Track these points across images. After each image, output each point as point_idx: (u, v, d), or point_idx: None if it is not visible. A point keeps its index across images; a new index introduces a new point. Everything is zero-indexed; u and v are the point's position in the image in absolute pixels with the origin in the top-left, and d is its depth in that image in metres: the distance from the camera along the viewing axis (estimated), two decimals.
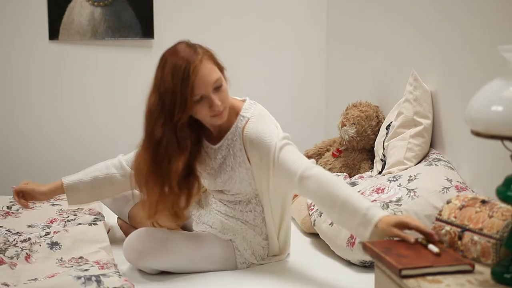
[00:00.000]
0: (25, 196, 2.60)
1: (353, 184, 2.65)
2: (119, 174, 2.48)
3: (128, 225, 2.62)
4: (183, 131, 2.17)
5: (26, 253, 2.24)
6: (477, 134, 1.48)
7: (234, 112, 2.27)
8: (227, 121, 2.25)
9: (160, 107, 2.17)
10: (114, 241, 2.59)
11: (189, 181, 2.25)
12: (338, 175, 2.84)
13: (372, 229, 1.92)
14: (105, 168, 2.50)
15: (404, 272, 1.59)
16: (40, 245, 2.29)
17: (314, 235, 2.65)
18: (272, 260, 2.39)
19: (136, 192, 2.34)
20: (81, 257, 2.24)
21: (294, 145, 2.22)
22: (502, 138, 1.44)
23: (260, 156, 2.21)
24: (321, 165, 3.14)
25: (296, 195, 2.96)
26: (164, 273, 2.28)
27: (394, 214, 2.26)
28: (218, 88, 2.15)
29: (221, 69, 2.20)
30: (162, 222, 2.30)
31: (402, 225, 1.88)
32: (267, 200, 2.31)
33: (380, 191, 2.38)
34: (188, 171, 2.23)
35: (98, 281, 1.93)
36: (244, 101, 2.32)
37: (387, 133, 2.77)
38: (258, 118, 2.25)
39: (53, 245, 2.31)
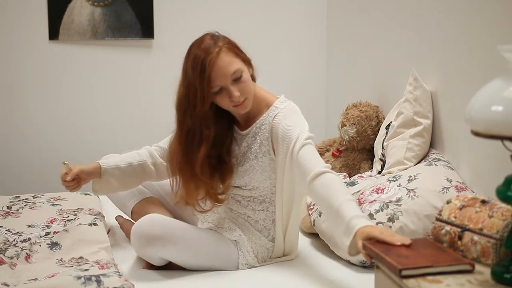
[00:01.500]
0: (79, 180, 2.46)
1: (352, 183, 2.65)
2: (150, 163, 2.51)
3: (129, 223, 2.62)
4: (205, 121, 2.22)
5: (26, 253, 2.24)
6: (477, 134, 1.48)
7: (265, 103, 2.32)
8: (256, 111, 2.32)
9: (186, 98, 2.22)
10: (114, 241, 2.59)
11: (221, 167, 2.30)
12: (338, 175, 2.83)
13: (351, 239, 1.91)
14: (137, 155, 2.52)
15: (404, 272, 1.59)
16: (40, 245, 2.29)
17: (314, 235, 2.65)
18: (274, 261, 2.39)
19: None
20: (81, 257, 2.24)
21: (315, 148, 2.26)
22: (502, 138, 1.44)
23: (282, 147, 2.25)
24: None
25: None
26: (163, 273, 2.28)
27: (393, 218, 2.26)
28: (237, 79, 2.20)
29: (245, 59, 2.25)
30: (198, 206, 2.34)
31: (371, 239, 1.85)
32: (280, 199, 2.32)
33: (380, 191, 2.38)
34: (218, 158, 2.29)
35: (98, 281, 1.93)
36: (278, 97, 2.37)
37: (386, 133, 2.77)
38: (290, 111, 2.31)
39: (53, 245, 2.31)
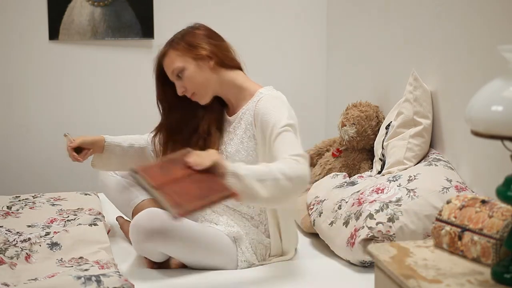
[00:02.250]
0: (81, 150, 2.61)
1: (352, 183, 2.65)
2: (151, 149, 2.64)
3: (129, 223, 2.62)
4: (170, 113, 2.50)
5: (26, 253, 2.24)
6: (477, 134, 1.48)
7: (248, 92, 2.41)
8: (239, 100, 2.42)
9: None
10: (114, 241, 2.59)
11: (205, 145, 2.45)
12: (337, 175, 2.84)
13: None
14: (140, 139, 2.67)
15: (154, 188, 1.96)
16: (40, 245, 2.29)
17: (314, 235, 2.65)
18: (273, 260, 2.39)
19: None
20: (81, 257, 2.24)
21: (297, 134, 2.23)
22: (502, 138, 1.44)
23: (261, 132, 2.29)
24: (321, 165, 3.14)
25: None
26: (164, 273, 2.28)
27: (393, 218, 2.26)
28: (179, 76, 2.39)
29: (198, 55, 2.38)
30: None
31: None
32: None
33: (380, 191, 2.38)
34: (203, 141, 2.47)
35: (98, 281, 1.93)
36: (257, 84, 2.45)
37: (386, 133, 2.77)
38: (272, 98, 2.35)
39: (53, 245, 2.31)
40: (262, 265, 2.37)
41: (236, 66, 2.47)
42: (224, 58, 2.42)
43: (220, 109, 2.49)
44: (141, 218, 2.24)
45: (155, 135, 2.58)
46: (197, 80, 2.39)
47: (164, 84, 2.46)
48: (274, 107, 2.29)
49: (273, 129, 2.22)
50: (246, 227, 2.37)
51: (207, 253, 2.30)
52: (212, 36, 2.45)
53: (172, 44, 2.42)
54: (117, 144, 2.62)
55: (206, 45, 2.40)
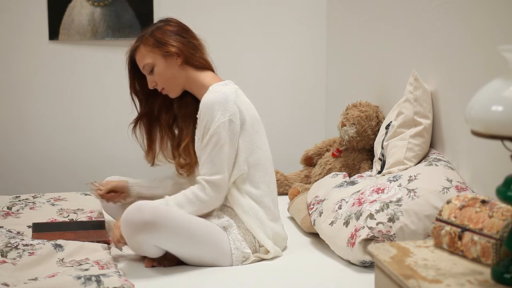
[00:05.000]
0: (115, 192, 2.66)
1: (352, 183, 2.65)
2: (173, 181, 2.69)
3: None
4: (147, 103, 2.58)
5: (29, 252, 2.22)
6: (477, 134, 1.48)
7: (204, 88, 2.44)
8: (200, 96, 2.43)
9: None
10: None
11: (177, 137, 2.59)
12: (337, 175, 2.84)
13: None
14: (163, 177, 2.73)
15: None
16: (44, 244, 2.27)
17: (314, 235, 2.65)
18: (268, 256, 2.39)
19: None
20: (81, 258, 2.23)
21: (220, 145, 2.34)
22: (502, 138, 1.44)
23: (199, 129, 2.39)
24: (321, 165, 3.14)
25: (294, 195, 2.96)
26: (164, 272, 2.28)
27: (393, 218, 2.27)
28: (150, 72, 2.46)
29: (168, 52, 2.43)
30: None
31: None
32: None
33: (380, 191, 2.38)
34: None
35: (98, 281, 1.94)
36: (222, 80, 2.49)
37: (386, 133, 2.77)
38: (215, 92, 2.40)
39: (57, 246, 2.28)
40: (257, 261, 2.37)
41: (203, 65, 2.50)
42: (191, 57, 2.47)
43: (195, 104, 2.50)
44: (130, 212, 2.24)
45: (134, 126, 2.61)
46: (166, 76, 2.46)
47: (138, 76, 2.54)
48: (210, 105, 2.35)
49: (205, 132, 2.35)
50: (233, 216, 2.39)
51: (199, 242, 2.30)
52: (182, 32, 2.50)
53: (143, 39, 2.47)
54: (142, 185, 2.67)
55: (174, 42, 2.45)
